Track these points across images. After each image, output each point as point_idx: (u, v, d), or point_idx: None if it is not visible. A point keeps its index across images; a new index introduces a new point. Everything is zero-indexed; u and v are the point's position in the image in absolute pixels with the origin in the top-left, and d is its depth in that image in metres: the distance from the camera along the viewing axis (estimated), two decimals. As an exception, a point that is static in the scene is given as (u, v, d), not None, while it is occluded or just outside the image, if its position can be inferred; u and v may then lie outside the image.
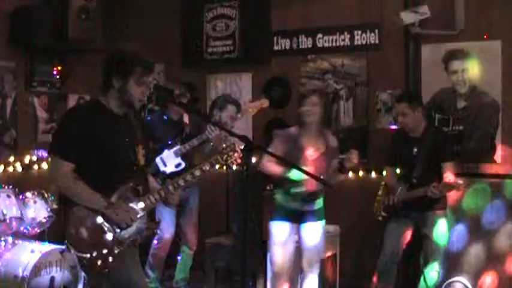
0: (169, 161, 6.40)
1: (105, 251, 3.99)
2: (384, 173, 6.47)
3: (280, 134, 5.69)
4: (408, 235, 6.07)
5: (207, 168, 4.34)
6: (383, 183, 6.31)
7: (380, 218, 6.16)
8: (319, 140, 5.54)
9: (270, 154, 5.03)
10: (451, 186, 5.65)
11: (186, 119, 6.73)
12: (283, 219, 5.53)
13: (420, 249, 6.12)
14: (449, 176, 5.74)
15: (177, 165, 6.40)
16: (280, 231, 5.53)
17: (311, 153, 5.47)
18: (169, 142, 6.49)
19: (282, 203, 5.55)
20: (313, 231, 5.59)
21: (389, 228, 6.09)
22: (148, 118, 6.78)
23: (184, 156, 6.44)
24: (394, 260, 6.09)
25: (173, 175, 6.02)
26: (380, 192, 6.27)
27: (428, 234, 5.94)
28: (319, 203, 5.61)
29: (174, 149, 6.43)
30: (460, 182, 5.65)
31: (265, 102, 6.49)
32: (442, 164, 5.86)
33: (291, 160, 5.25)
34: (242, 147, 4.07)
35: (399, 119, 6.04)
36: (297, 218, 5.54)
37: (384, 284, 6.15)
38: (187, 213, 6.82)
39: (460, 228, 6.44)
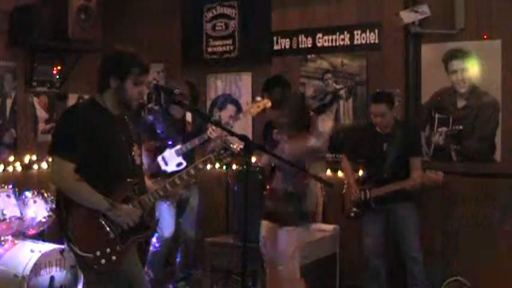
0: (171, 160, 6.41)
1: (108, 250, 4.00)
2: (343, 164, 6.62)
3: None
4: (384, 229, 6.29)
5: (201, 166, 4.39)
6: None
7: (352, 215, 6.30)
8: None
9: (270, 153, 5.02)
10: (433, 179, 5.91)
11: (188, 117, 6.73)
12: None
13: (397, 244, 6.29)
14: (418, 171, 6.02)
15: (178, 165, 6.41)
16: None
17: None
18: (171, 141, 6.50)
19: None
20: None
21: (367, 226, 6.29)
22: (151, 117, 6.78)
23: (185, 156, 6.44)
24: (375, 258, 6.27)
25: (174, 174, 6.03)
26: (345, 190, 6.41)
27: (401, 224, 6.17)
28: None
29: (176, 148, 6.44)
30: (442, 174, 5.91)
31: (267, 103, 6.49)
32: (411, 158, 6.11)
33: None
34: (242, 146, 4.08)
35: (377, 119, 6.16)
36: None
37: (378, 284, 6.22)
38: (187, 212, 6.83)
39: (459, 227, 6.47)
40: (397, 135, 6.12)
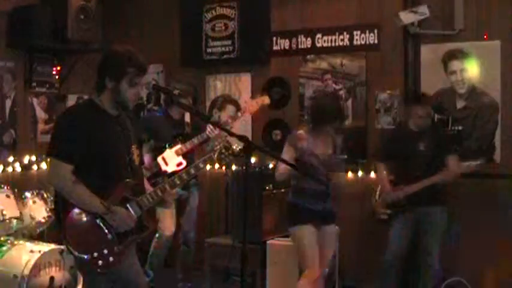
0: (171, 160, 6.40)
1: (106, 251, 4.00)
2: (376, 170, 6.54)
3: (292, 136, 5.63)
4: (411, 235, 6.17)
5: (202, 165, 4.39)
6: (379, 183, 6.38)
7: (384, 217, 6.20)
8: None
9: (270, 154, 5.03)
10: (465, 167, 5.91)
11: (187, 118, 6.74)
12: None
13: (419, 247, 6.22)
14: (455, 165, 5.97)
15: (178, 165, 6.40)
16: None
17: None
18: (170, 141, 6.50)
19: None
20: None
21: (395, 229, 6.17)
22: (149, 117, 6.78)
23: (185, 156, 6.44)
24: (396, 261, 6.18)
25: (174, 174, 6.03)
26: (378, 192, 6.34)
27: (429, 229, 6.06)
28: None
29: (175, 148, 6.43)
30: (474, 163, 5.92)
31: (265, 99, 6.49)
32: (449, 156, 6.02)
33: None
34: (241, 147, 4.08)
35: (421, 120, 6.05)
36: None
37: (386, 285, 6.21)
38: (187, 212, 6.83)
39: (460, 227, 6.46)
40: (431, 134, 6.06)
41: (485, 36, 6.49)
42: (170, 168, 6.38)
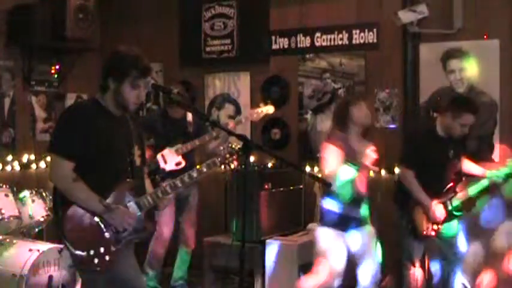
0: (170, 158, 6.40)
1: (102, 250, 3.99)
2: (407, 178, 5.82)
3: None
4: None
5: (205, 170, 4.36)
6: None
7: (433, 233, 5.77)
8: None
9: (268, 153, 5.02)
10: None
11: (189, 118, 6.72)
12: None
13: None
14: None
15: (177, 164, 6.40)
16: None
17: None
18: (171, 140, 6.49)
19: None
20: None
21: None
22: (148, 116, 6.78)
23: (184, 155, 6.44)
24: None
25: (172, 173, 6.02)
26: (417, 209, 5.80)
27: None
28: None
29: (175, 147, 6.43)
30: None
31: (270, 109, 6.49)
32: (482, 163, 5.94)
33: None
34: (240, 146, 4.08)
35: (465, 129, 5.73)
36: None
37: None
38: (186, 211, 6.83)
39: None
40: (459, 141, 5.83)
41: (485, 36, 6.49)
42: (169, 166, 6.37)
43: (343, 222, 5.32)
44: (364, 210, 5.45)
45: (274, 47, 7.64)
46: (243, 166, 5.53)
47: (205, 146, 6.45)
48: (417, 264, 5.89)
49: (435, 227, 5.74)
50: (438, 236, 5.78)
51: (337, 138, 5.30)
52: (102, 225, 4.01)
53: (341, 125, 5.37)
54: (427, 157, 5.71)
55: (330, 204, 5.36)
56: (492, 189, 5.96)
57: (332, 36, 7.30)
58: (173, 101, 5.76)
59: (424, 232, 5.75)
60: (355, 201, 5.35)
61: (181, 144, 6.45)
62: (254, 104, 7.36)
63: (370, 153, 5.30)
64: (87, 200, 3.97)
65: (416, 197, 5.73)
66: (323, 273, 5.34)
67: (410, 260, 5.90)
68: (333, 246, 5.33)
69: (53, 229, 6.32)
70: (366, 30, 7.09)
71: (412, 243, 5.86)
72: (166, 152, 6.43)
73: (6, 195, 6.06)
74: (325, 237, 5.37)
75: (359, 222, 5.40)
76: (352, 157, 5.23)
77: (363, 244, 5.41)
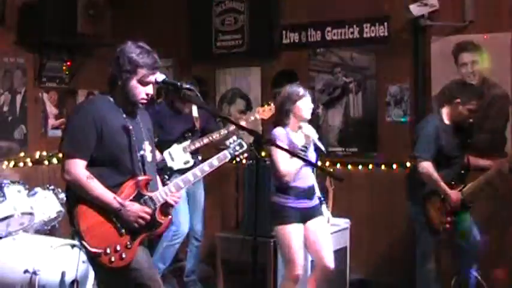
0: (178, 156, 6.38)
1: (118, 247, 4.01)
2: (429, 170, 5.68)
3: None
4: None
5: (216, 163, 4.36)
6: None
7: (447, 226, 5.72)
8: None
9: (280, 148, 5.01)
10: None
11: (195, 113, 6.69)
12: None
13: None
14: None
15: (186, 162, 6.39)
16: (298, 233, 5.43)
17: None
18: (178, 136, 6.47)
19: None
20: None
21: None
22: (154, 111, 6.75)
23: (192, 153, 6.42)
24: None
25: (180, 171, 6.02)
26: (437, 203, 5.75)
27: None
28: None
29: (183, 144, 6.41)
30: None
31: None
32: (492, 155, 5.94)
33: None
34: (251, 141, 4.08)
35: (471, 115, 5.74)
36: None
37: None
38: (194, 206, 6.80)
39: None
40: (468, 131, 5.83)
41: (485, 36, 6.47)
42: (176, 165, 6.35)
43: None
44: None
45: (284, 41, 7.63)
46: (254, 161, 5.53)
47: (214, 144, 6.42)
48: (432, 259, 5.87)
49: (449, 219, 5.71)
50: (452, 229, 5.75)
51: None
52: (117, 222, 4.02)
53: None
54: (443, 147, 5.71)
55: None
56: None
57: (343, 30, 7.28)
58: (185, 97, 5.75)
59: (438, 226, 5.72)
60: None
61: (189, 141, 6.42)
62: (265, 99, 7.36)
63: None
64: (102, 197, 3.98)
65: (438, 188, 5.67)
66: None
67: (424, 256, 5.88)
68: None
69: (65, 225, 6.34)
70: (377, 24, 7.06)
71: (428, 239, 5.85)
72: (174, 149, 6.41)
73: (19, 192, 6.07)
74: None
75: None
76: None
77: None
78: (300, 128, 5.39)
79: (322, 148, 5.38)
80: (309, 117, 5.47)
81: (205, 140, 6.39)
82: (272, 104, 6.28)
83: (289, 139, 5.37)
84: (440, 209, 5.71)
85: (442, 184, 5.65)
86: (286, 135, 5.38)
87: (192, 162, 6.39)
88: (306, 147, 5.30)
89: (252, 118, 6.44)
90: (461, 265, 5.96)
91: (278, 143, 5.08)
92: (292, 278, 5.40)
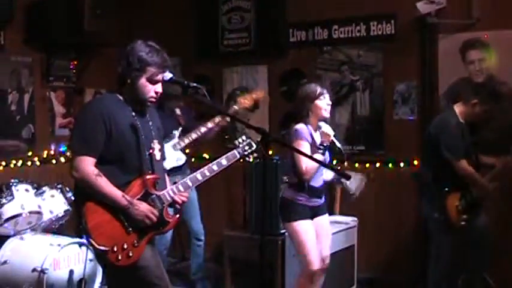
0: (168, 155, 6.35)
1: (125, 245, 4.01)
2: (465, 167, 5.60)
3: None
4: None
5: (225, 162, 4.35)
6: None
7: (463, 223, 5.60)
8: None
9: (287, 147, 5.01)
10: None
11: (177, 111, 6.60)
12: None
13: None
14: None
15: (177, 160, 6.37)
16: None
17: None
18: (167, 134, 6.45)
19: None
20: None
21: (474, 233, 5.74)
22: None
23: (183, 150, 6.39)
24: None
25: (174, 170, 6.03)
26: (460, 199, 5.64)
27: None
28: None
29: (172, 142, 6.37)
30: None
31: (260, 94, 6.47)
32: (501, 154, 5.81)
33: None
34: (259, 139, 4.08)
35: (487, 115, 5.68)
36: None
37: None
38: (188, 206, 6.75)
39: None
40: (480, 130, 5.84)
41: (486, 36, 6.45)
42: (168, 163, 6.31)
43: None
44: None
45: (291, 39, 7.63)
46: (261, 159, 5.52)
47: (205, 136, 6.40)
48: (445, 260, 5.83)
49: (465, 216, 5.60)
50: (470, 226, 5.67)
51: None
52: (125, 221, 4.03)
53: None
54: (467, 146, 5.66)
55: None
56: None
57: (350, 28, 7.27)
58: (192, 96, 5.75)
59: (456, 223, 5.61)
60: None
61: (177, 139, 6.38)
62: (272, 97, 7.37)
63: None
64: (110, 195, 3.98)
65: (477, 184, 5.59)
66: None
67: (438, 256, 5.85)
68: None
69: (73, 224, 6.36)
70: (384, 22, 7.06)
71: (442, 237, 5.81)
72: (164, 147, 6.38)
73: (27, 191, 6.09)
74: None
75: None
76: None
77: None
78: (319, 128, 5.38)
79: (340, 147, 5.39)
80: (328, 115, 5.45)
81: (194, 135, 6.34)
82: (253, 92, 6.30)
83: (312, 137, 5.37)
84: (458, 206, 5.66)
85: (481, 179, 5.59)
86: (309, 132, 5.38)
87: (184, 159, 6.38)
88: (324, 146, 5.30)
89: (235, 108, 6.37)
90: (471, 264, 5.93)
91: (300, 141, 5.22)
92: (308, 273, 5.41)
